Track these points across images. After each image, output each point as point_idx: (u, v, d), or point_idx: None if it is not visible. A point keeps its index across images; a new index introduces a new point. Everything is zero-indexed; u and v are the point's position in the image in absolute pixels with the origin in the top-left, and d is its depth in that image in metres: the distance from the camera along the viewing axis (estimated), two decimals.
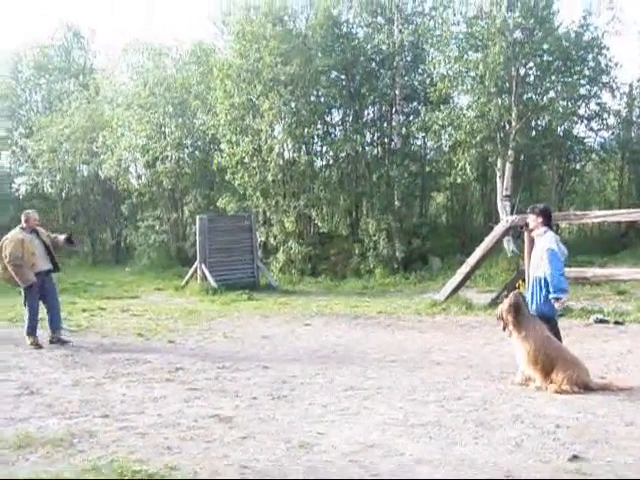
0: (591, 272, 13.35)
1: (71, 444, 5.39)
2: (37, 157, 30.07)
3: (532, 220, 7.66)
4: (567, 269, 8.21)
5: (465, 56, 19.64)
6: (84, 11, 46.23)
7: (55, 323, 10.33)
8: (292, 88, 21.10)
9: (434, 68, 20.60)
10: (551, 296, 7.16)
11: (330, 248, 22.38)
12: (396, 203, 21.81)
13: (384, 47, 21.76)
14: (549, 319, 7.25)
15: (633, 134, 23.53)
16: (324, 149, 24.00)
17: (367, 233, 21.11)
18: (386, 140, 23.42)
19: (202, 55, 25.54)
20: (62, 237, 10.62)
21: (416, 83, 22.93)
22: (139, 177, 29.10)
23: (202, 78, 24.33)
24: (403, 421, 5.93)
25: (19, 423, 6.03)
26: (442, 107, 19.56)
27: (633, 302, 13.00)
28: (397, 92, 22.13)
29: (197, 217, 19.30)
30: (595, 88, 20.69)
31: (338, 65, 21.79)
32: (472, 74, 19.53)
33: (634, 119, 23.62)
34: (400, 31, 21.67)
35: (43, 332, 10.53)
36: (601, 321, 11.34)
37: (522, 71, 19.77)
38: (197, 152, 26.45)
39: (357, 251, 21.24)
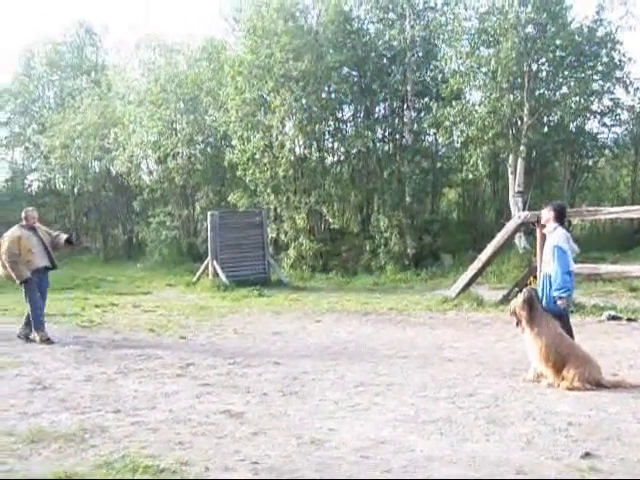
0: (604, 269, 13.26)
1: (83, 439, 5.42)
2: (49, 153, 30.23)
3: (544, 215, 7.63)
4: (579, 265, 8.19)
5: (477, 52, 19.55)
6: (96, 8, 46.33)
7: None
8: (303, 84, 21.08)
9: (446, 64, 20.50)
10: (554, 294, 7.13)
11: (341, 244, 22.38)
12: (407, 199, 21.76)
13: (395, 43, 21.69)
14: (560, 316, 7.22)
15: None
16: (335, 145, 23.99)
17: (378, 229, 21.08)
18: (397, 136, 23.36)
19: (213, 51, 25.58)
20: (63, 237, 10.67)
21: (428, 79, 22.87)
22: (150, 173, 29.20)
23: (213, 74, 24.37)
24: (414, 417, 5.92)
25: (32, 418, 6.07)
26: (454, 103, 19.46)
27: None
28: (408, 88, 22.06)
29: (208, 213, 19.35)
30: (608, 84, 20.54)
31: (349, 61, 21.76)
32: (484, 70, 19.44)
33: None
34: (412, 27, 21.59)
35: (53, 326, 10.57)
36: (614, 318, 11.27)
37: (534, 67, 19.67)
38: (208, 148, 26.50)
39: (368, 247, 21.21)
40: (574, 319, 8.69)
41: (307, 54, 20.76)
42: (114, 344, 10.01)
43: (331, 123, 23.23)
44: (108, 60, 35.45)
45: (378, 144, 23.24)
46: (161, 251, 25.79)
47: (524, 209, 18.47)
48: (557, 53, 19.74)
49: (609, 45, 19.79)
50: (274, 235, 22.22)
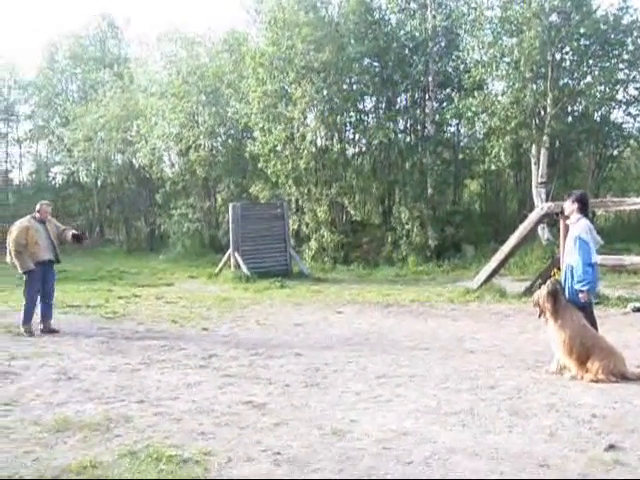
0: (628, 260, 13.12)
1: (108, 428, 5.48)
2: (73, 146, 30.53)
3: (567, 207, 7.54)
4: (604, 257, 8.11)
5: (500, 41, 19.37)
6: (118, 0, 46.65)
7: (46, 313, 10.45)
8: (324, 75, 21.05)
9: (468, 54, 20.34)
10: (576, 286, 7.06)
11: (362, 236, 22.36)
12: (429, 191, 21.68)
13: (417, 33, 21.57)
14: (584, 307, 7.15)
15: None
16: (357, 137, 23.94)
17: (400, 221, 21.02)
18: (419, 127, 23.27)
19: (235, 43, 25.63)
20: (71, 232, 10.76)
21: (450, 69, 22.73)
22: (173, 165, 29.38)
23: (235, 66, 24.42)
24: (436, 409, 5.91)
25: (57, 407, 6.15)
26: (476, 93, 19.32)
27: None
28: (430, 79, 21.95)
29: (230, 205, 19.40)
30: (634, 72, 20.29)
31: (371, 52, 21.68)
32: (507, 59, 19.26)
33: None
34: (433, 16, 21.45)
35: (77, 317, 10.66)
36: (638, 310, 11.15)
37: (558, 56, 19.45)
38: (230, 140, 26.59)
39: (390, 239, 21.18)
40: (598, 311, 8.61)
41: (328, 45, 20.71)
42: (137, 335, 10.09)
43: (352, 114, 23.17)
44: (130, 53, 35.72)
45: (400, 135, 23.15)
46: (183, 243, 25.97)
47: (547, 200, 18.31)
48: (581, 42, 19.52)
49: (635, 33, 19.53)
50: (295, 227, 22.25)
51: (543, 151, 19.76)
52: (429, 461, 4.67)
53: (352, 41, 21.70)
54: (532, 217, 13.34)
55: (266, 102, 21.48)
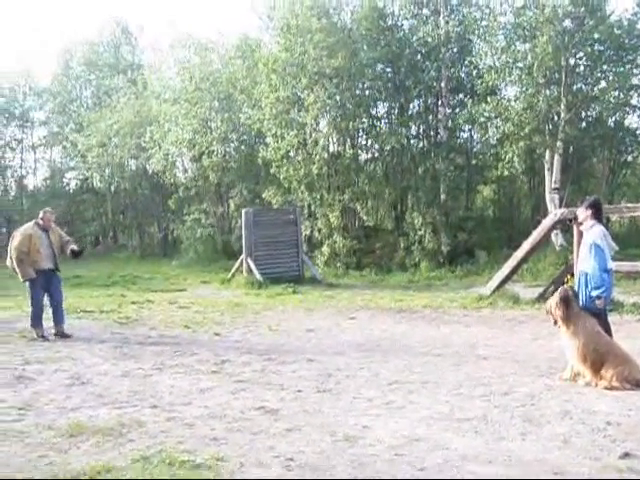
0: None
1: (121, 433, 5.49)
2: (87, 152, 30.72)
3: (581, 213, 7.50)
4: (618, 263, 8.05)
5: (513, 47, 19.35)
6: (131, 7, 46.95)
7: (58, 317, 10.48)
8: (337, 81, 21.09)
9: (481, 59, 20.34)
10: (592, 294, 7.01)
11: (375, 242, 22.35)
12: (442, 196, 21.64)
13: (430, 39, 21.55)
14: (598, 314, 7.10)
15: None
16: (369, 142, 23.96)
17: (412, 227, 20.99)
18: (432, 133, 23.25)
19: (247, 49, 25.72)
20: (71, 247, 10.67)
21: (462, 75, 22.71)
22: (185, 171, 29.51)
23: (248, 72, 24.50)
24: (449, 415, 5.88)
25: (71, 412, 6.17)
26: (489, 99, 19.30)
27: None
28: (443, 84, 21.93)
29: (243, 211, 19.46)
30: None
31: (383, 58, 21.70)
32: (520, 65, 19.22)
33: None
34: (446, 22, 21.45)
35: (91, 323, 10.70)
36: None
37: (572, 61, 19.39)
38: (243, 146, 26.69)
39: (402, 245, 21.15)
40: (612, 317, 8.55)
41: (341, 51, 20.75)
42: (150, 340, 10.12)
43: (365, 120, 23.18)
44: (144, 59, 35.93)
45: (412, 141, 23.15)
46: (196, 248, 26.04)
47: (561, 206, 18.24)
48: (595, 47, 19.45)
49: None
50: (308, 232, 22.28)
51: (557, 157, 19.69)
52: (442, 468, 4.64)
53: (365, 47, 21.75)
54: (545, 223, 13.27)
55: (279, 108, 21.54)
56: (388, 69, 22.53)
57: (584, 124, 21.14)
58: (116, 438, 5.37)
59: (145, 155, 28.53)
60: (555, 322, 7.11)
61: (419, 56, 22.38)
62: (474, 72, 21.81)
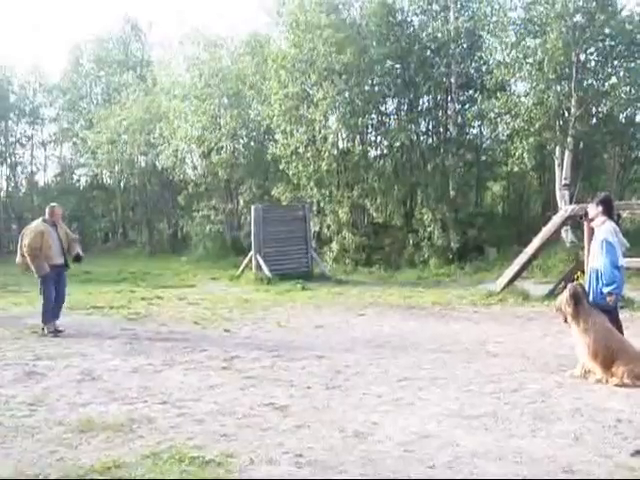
0: None
1: (131, 429, 5.51)
2: (97, 149, 30.78)
3: (592, 210, 7.47)
4: (629, 260, 8.00)
5: (523, 42, 19.22)
6: (141, 4, 47.00)
7: (56, 313, 10.51)
8: (346, 77, 21.04)
9: (491, 55, 20.24)
10: (604, 290, 6.98)
11: (384, 238, 22.30)
12: (451, 193, 21.58)
13: (439, 35, 21.47)
14: (609, 311, 7.07)
15: None
16: (378, 139, 23.91)
17: (422, 223, 20.94)
18: (441, 129, 23.18)
19: (257, 46, 25.69)
20: (75, 249, 10.71)
21: (472, 71, 22.61)
22: (195, 168, 29.51)
23: (257, 69, 24.47)
24: (459, 412, 5.87)
25: (81, 408, 6.20)
26: (499, 95, 19.18)
27: None
28: (452, 80, 21.85)
29: (252, 207, 19.45)
30: None
31: (392, 54, 21.63)
32: (530, 60, 19.09)
33: None
34: (456, 18, 21.37)
35: (101, 319, 10.72)
36: None
37: (582, 57, 19.26)
38: (252, 142, 26.68)
39: (411, 241, 21.10)
40: (623, 315, 8.49)
41: (350, 47, 20.70)
42: (160, 336, 10.15)
43: (374, 116, 23.14)
44: (153, 55, 35.93)
45: (422, 137, 23.09)
46: (205, 245, 26.07)
47: (571, 202, 18.15)
48: (606, 42, 19.33)
49: None
50: (317, 229, 22.26)
51: (567, 153, 19.58)
52: (452, 465, 4.64)
53: (374, 43, 21.68)
54: (555, 219, 13.22)
55: (288, 104, 21.51)
56: (397, 65, 22.46)
57: (595, 120, 21.01)
58: (126, 434, 5.39)
59: (154, 151, 28.56)
60: (565, 319, 7.08)
61: (429, 52, 22.29)
62: (484, 68, 21.72)
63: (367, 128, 23.42)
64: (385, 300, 14.13)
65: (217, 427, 5.55)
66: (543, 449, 4.91)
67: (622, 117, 20.88)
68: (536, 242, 13.42)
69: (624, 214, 18.78)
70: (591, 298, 7.11)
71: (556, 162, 20.12)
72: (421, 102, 23.21)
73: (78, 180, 37.85)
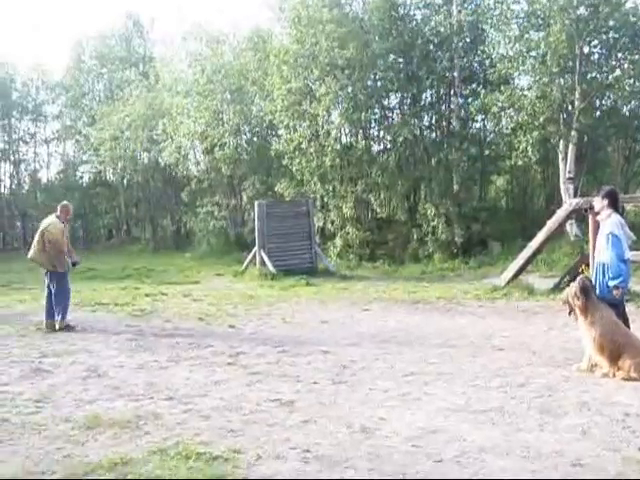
0: None
1: (137, 426, 5.50)
2: (100, 145, 30.80)
3: (597, 203, 7.44)
4: (635, 253, 7.97)
5: (526, 35, 19.16)
6: (143, 0, 46.93)
7: (51, 311, 10.55)
8: (349, 72, 21.00)
9: (494, 48, 20.16)
10: (610, 284, 6.95)
11: (388, 233, 22.29)
12: (455, 187, 21.54)
13: (442, 29, 21.42)
14: (616, 304, 7.05)
15: None
16: (381, 133, 23.87)
17: (425, 218, 20.92)
18: (444, 123, 23.13)
19: (259, 41, 25.66)
20: (75, 259, 10.87)
21: (475, 64, 22.57)
22: (198, 164, 29.53)
23: (259, 64, 24.45)
24: (465, 407, 5.86)
25: (87, 405, 6.20)
26: (502, 88, 19.15)
27: None
28: (456, 74, 21.80)
29: (255, 203, 19.44)
30: None
31: (395, 48, 21.57)
32: (533, 54, 19.05)
33: None
34: (459, 11, 21.30)
35: (106, 315, 10.73)
36: None
37: (586, 49, 19.20)
38: (255, 138, 26.67)
39: (415, 236, 21.08)
40: (629, 308, 8.47)
41: (353, 42, 20.65)
42: (165, 333, 10.15)
43: (377, 111, 23.09)
44: (155, 52, 35.91)
45: (425, 132, 23.05)
46: (209, 241, 26.10)
47: (575, 196, 18.10)
48: (610, 34, 19.25)
49: None
50: (321, 224, 22.25)
51: (571, 146, 19.52)
52: (459, 459, 4.62)
53: (376, 37, 21.62)
54: (560, 213, 13.19)
55: (290, 100, 21.48)
56: (400, 59, 22.39)
57: (599, 113, 20.94)
58: (133, 430, 5.39)
59: (157, 148, 28.56)
60: (570, 312, 7.06)
61: (431, 46, 22.23)
62: (487, 61, 21.63)
63: (370, 123, 23.39)
64: (390, 295, 14.12)
65: (224, 423, 5.55)
66: (551, 443, 4.89)
67: (626, 110, 20.83)
68: (540, 236, 13.38)
69: (629, 207, 18.78)
70: (598, 292, 7.08)
71: (560, 156, 20.06)
72: (424, 96, 23.16)
73: (81, 177, 37.90)
